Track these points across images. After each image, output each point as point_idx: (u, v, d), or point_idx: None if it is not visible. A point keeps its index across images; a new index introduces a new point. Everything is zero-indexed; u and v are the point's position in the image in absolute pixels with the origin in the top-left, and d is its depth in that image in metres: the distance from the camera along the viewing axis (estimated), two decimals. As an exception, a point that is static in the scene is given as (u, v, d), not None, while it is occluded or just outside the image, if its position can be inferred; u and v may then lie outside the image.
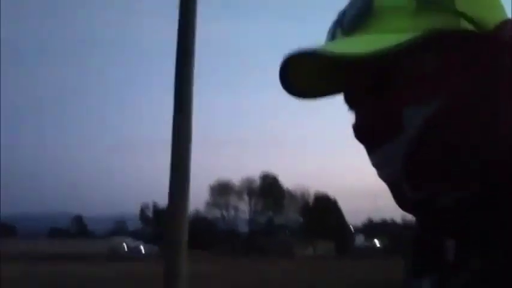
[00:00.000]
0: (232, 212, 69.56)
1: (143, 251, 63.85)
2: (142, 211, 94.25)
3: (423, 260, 0.60)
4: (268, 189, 67.48)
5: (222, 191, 68.49)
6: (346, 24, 0.53)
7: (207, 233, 66.48)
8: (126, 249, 64.73)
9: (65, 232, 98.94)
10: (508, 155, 0.49)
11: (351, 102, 0.56)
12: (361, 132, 0.53)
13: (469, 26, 0.50)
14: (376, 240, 67.83)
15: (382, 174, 0.54)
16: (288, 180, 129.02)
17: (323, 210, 63.16)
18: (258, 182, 68.89)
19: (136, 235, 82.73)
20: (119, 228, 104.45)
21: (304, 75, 0.55)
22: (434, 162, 0.50)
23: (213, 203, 68.87)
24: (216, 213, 69.31)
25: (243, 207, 69.80)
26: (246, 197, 69.27)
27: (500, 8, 0.54)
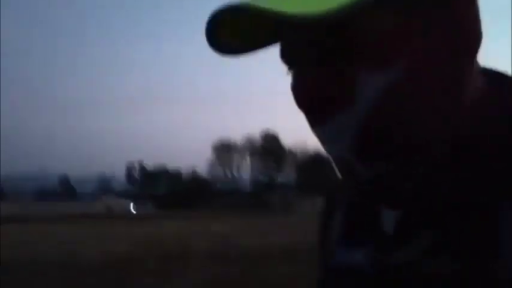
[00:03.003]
0: (235, 171, 70.91)
1: (133, 211, 64.73)
2: (129, 171, 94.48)
3: (354, 229, 0.55)
4: (269, 147, 68.51)
5: (224, 150, 69.40)
6: None
7: (207, 192, 67.61)
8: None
9: (52, 193, 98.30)
10: (470, 127, 0.47)
11: (290, 60, 0.48)
12: (305, 100, 0.46)
13: None
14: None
15: (329, 149, 0.48)
16: (289, 137, 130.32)
17: (317, 166, 64.63)
18: (259, 140, 70.03)
19: (122, 195, 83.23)
20: (104, 188, 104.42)
21: (234, 30, 0.47)
22: (390, 136, 0.45)
23: (215, 162, 69.98)
24: (219, 171, 70.50)
25: (245, 166, 71.16)
26: (247, 156, 70.56)
27: None
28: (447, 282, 0.43)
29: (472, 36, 0.46)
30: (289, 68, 0.48)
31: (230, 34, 0.47)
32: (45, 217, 35.55)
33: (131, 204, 71.78)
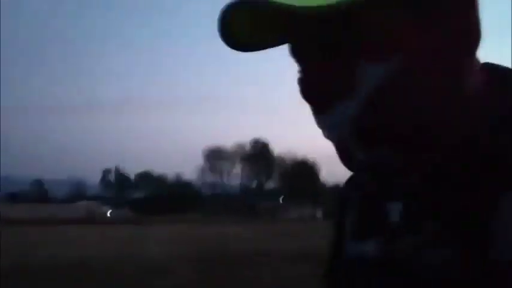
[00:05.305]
0: (224, 177, 71.56)
1: (109, 215, 64.11)
2: (104, 175, 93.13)
3: (364, 222, 0.58)
4: (259, 154, 69.66)
5: (214, 156, 70.14)
6: None
7: (194, 197, 67.54)
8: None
9: (23, 196, 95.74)
10: (470, 118, 0.48)
11: (298, 54, 0.51)
12: (308, 90, 0.50)
13: None
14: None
15: (330, 136, 0.51)
16: (280, 146, 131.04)
17: (300, 175, 65.71)
18: (249, 147, 71.16)
19: (96, 199, 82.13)
20: (78, 192, 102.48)
21: (245, 24, 0.49)
22: (386, 125, 0.47)
23: (205, 168, 70.56)
24: (209, 177, 71.02)
25: (235, 172, 72.08)
26: (237, 162, 71.55)
27: None
28: (448, 270, 0.45)
29: (472, 35, 0.48)
30: (298, 62, 0.51)
31: (241, 29, 0.49)
32: (21, 220, 34.62)
33: (107, 208, 70.94)
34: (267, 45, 0.53)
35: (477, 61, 0.50)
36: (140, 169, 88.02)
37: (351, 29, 0.46)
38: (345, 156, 0.51)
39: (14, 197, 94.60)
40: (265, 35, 0.52)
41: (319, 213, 65.86)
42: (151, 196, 73.34)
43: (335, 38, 0.47)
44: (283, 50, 0.52)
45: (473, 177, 0.46)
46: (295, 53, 0.51)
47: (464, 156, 0.48)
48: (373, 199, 0.57)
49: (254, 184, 72.41)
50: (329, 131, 0.51)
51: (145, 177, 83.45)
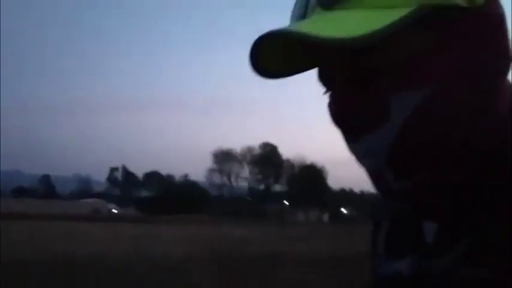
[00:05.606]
0: (233, 179, 71.69)
1: (115, 212, 64.35)
2: (111, 173, 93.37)
3: (399, 241, 0.58)
4: (268, 158, 69.72)
5: (223, 158, 70.29)
6: None
7: (202, 198, 67.56)
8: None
9: (32, 191, 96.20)
10: (498, 142, 0.48)
11: (328, 82, 0.50)
12: (340, 118, 0.49)
13: (459, 1, 0.46)
14: (343, 209, 71.54)
15: (364, 163, 0.50)
16: (288, 150, 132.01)
17: (307, 179, 65.64)
18: (258, 150, 71.29)
19: (102, 197, 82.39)
20: (84, 189, 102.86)
21: (275, 54, 0.50)
22: (421, 152, 0.46)
23: (214, 169, 70.76)
24: (217, 178, 71.35)
25: (244, 175, 72.27)
26: (246, 165, 71.70)
27: None
28: None
29: (502, 57, 0.48)
30: (326, 89, 0.51)
31: (272, 59, 0.50)
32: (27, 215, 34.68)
33: (113, 206, 71.18)
34: (298, 71, 0.53)
35: (508, 82, 0.50)
36: (147, 169, 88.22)
37: (384, 58, 0.45)
38: (380, 184, 0.50)
39: (23, 191, 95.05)
40: (297, 64, 0.52)
41: (325, 217, 66.01)
42: (158, 195, 73.41)
43: (367, 67, 0.46)
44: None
45: (505, 199, 0.46)
46: (326, 80, 0.51)
47: (497, 179, 0.48)
48: (408, 218, 0.57)
49: (262, 187, 72.49)
50: (362, 159, 0.50)
51: (153, 177, 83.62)
